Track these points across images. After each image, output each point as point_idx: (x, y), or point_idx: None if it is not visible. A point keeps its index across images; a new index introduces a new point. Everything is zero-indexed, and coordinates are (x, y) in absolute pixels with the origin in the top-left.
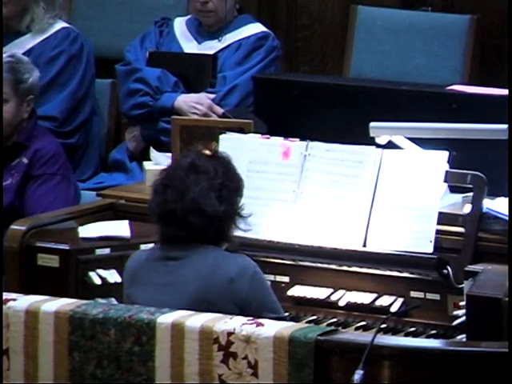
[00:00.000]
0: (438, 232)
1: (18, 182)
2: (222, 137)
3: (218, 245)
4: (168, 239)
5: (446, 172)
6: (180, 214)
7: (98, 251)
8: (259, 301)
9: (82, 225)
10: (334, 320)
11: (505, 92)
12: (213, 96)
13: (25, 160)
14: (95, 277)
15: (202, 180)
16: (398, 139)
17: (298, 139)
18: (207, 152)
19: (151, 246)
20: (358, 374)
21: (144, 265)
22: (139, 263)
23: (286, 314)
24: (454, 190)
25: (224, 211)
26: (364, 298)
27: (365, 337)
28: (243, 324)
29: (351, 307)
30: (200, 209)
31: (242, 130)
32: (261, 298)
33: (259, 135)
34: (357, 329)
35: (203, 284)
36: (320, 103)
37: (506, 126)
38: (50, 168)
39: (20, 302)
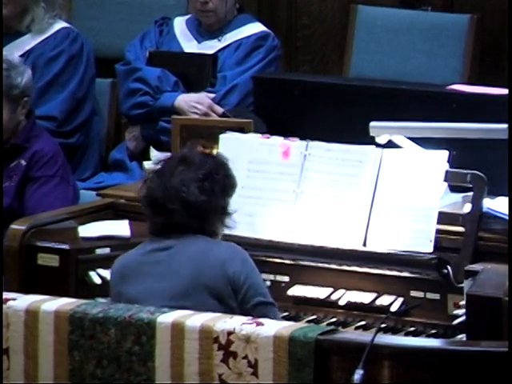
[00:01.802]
0: (437, 232)
1: (17, 184)
2: (221, 136)
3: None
4: (155, 229)
5: (446, 172)
6: (161, 202)
7: (98, 251)
8: (251, 283)
9: (81, 224)
10: (334, 320)
11: (505, 92)
12: (213, 96)
13: (23, 162)
14: (95, 276)
15: (188, 171)
16: (398, 139)
17: (297, 139)
18: (202, 148)
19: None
20: (357, 374)
21: (133, 261)
22: (127, 261)
23: (286, 313)
24: (453, 189)
25: (204, 201)
26: (364, 297)
27: (365, 336)
28: (243, 323)
29: (351, 307)
30: (179, 196)
31: (241, 129)
32: (252, 281)
33: (259, 135)
34: (357, 328)
35: (196, 268)
36: (320, 103)
37: (505, 126)
38: (49, 170)
39: (20, 301)
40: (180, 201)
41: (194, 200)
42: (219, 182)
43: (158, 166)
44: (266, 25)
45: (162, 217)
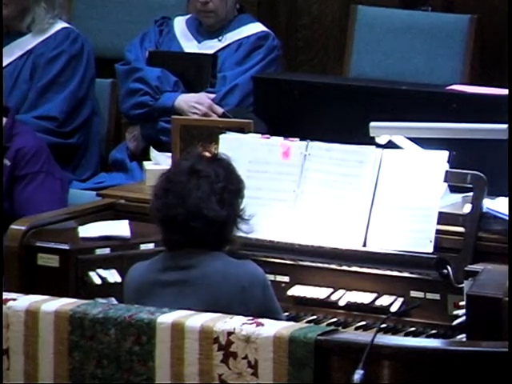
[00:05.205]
0: (438, 232)
1: (5, 185)
2: (221, 137)
3: (221, 248)
4: (171, 245)
5: (446, 172)
6: (181, 219)
7: (98, 251)
8: (272, 308)
9: (81, 225)
10: (334, 320)
11: (505, 92)
12: (213, 96)
13: (7, 162)
14: (95, 277)
15: (203, 184)
16: (398, 139)
17: (297, 139)
18: (207, 154)
19: (151, 246)
20: (357, 374)
21: (149, 277)
22: (142, 276)
23: (286, 313)
24: (453, 189)
25: (226, 215)
26: (364, 297)
27: (365, 337)
28: (243, 324)
29: (351, 307)
30: (201, 214)
31: (242, 129)
32: (273, 305)
33: (259, 135)
34: (357, 329)
35: (214, 292)
36: (320, 103)
37: (505, 126)
38: (34, 166)
39: (20, 301)
40: (202, 218)
41: (216, 215)
42: (234, 189)
43: (164, 180)
44: (266, 25)
45: (181, 233)
